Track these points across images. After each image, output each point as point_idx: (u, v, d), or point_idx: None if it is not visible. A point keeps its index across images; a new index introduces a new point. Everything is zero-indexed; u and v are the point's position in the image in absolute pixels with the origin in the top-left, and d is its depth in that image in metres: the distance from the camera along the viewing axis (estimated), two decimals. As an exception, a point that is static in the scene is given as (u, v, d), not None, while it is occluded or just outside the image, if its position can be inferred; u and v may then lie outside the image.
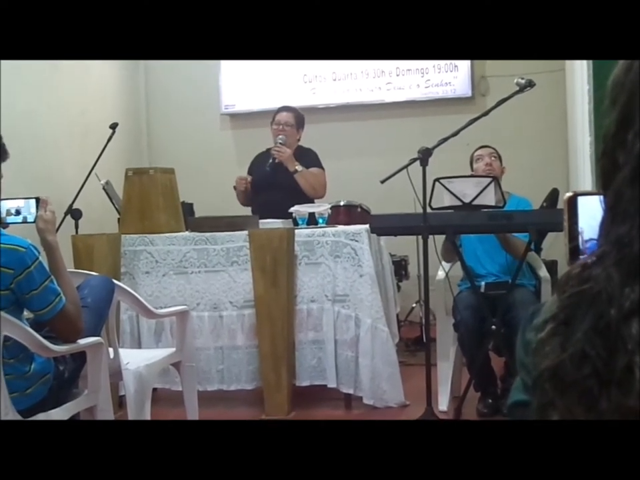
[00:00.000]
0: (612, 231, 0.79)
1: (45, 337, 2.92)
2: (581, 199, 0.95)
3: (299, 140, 5.65)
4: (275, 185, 5.42)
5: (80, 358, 3.16)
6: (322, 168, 5.59)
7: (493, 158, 4.66)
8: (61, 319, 2.95)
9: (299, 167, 5.43)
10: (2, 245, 2.82)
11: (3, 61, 5.40)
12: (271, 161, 5.43)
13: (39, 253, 2.92)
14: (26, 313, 3.03)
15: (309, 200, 5.41)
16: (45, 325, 3.00)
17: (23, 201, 3.41)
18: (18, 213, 3.40)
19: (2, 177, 2.93)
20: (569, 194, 0.96)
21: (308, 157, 5.56)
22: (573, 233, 0.94)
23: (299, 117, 5.65)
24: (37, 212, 3.20)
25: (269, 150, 5.58)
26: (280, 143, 5.45)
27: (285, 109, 5.71)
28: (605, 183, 0.82)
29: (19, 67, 5.82)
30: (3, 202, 3.40)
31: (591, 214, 0.90)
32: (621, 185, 0.79)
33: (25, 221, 3.36)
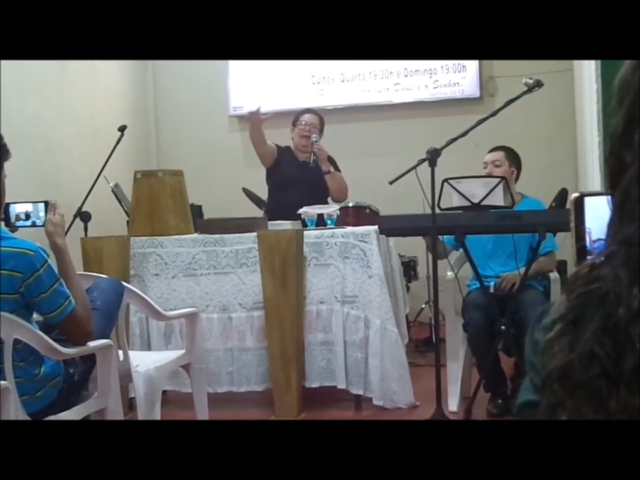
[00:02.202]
0: (620, 230, 0.79)
1: (54, 340, 2.93)
2: (587, 200, 0.95)
3: None
4: (304, 184, 5.45)
5: (90, 360, 3.17)
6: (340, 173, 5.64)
7: (496, 165, 4.61)
8: (70, 321, 2.95)
9: (331, 168, 5.47)
10: (11, 249, 2.83)
11: (12, 65, 5.42)
12: (313, 158, 5.43)
13: (47, 255, 2.93)
14: (35, 316, 3.03)
15: (325, 201, 5.44)
16: (55, 327, 3.01)
17: (32, 204, 3.42)
18: (27, 216, 3.41)
19: (5, 177, 2.94)
20: (575, 194, 0.96)
21: (330, 162, 5.60)
22: (580, 234, 0.94)
23: (322, 121, 5.69)
24: (45, 215, 3.21)
25: (288, 147, 5.60)
26: (315, 141, 5.46)
27: (310, 111, 5.73)
28: (613, 182, 0.82)
29: (27, 70, 5.83)
30: (12, 206, 3.42)
31: (598, 214, 0.90)
32: (628, 185, 0.79)
33: (34, 225, 3.37)
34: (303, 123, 5.59)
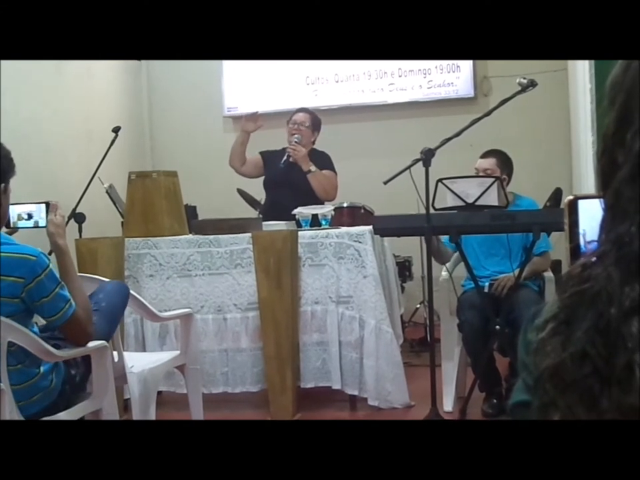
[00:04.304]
0: (612, 230, 0.79)
1: (55, 339, 2.94)
2: (581, 202, 0.95)
3: (313, 142, 5.65)
4: (287, 184, 5.43)
5: (89, 360, 3.18)
6: (334, 171, 5.57)
7: (487, 175, 4.54)
8: (71, 324, 2.96)
9: (312, 168, 5.42)
10: (13, 254, 2.83)
11: (7, 67, 5.41)
12: (285, 158, 5.43)
13: (49, 260, 2.93)
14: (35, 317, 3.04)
15: (319, 201, 5.40)
16: (55, 328, 3.02)
17: (33, 205, 3.43)
18: (29, 217, 3.42)
19: (11, 191, 2.95)
20: (569, 197, 0.96)
21: (321, 160, 5.54)
22: (574, 235, 0.94)
23: (315, 120, 5.65)
24: (47, 216, 3.22)
25: (284, 149, 5.57)
26: (295, 142, 5.45)
27: (303, 110, 5.72)
28: (605, 182, 0.82)
29: (22, 73, 5.83)
30: (13, 207, 3.43)
31: (592, 216, 0.90)
32: (620, 184, 0.79)
33: (36, 226, 3.38)
34: (292, 122, 5.59)
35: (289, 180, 5.42)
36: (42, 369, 2.99)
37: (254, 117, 5.61)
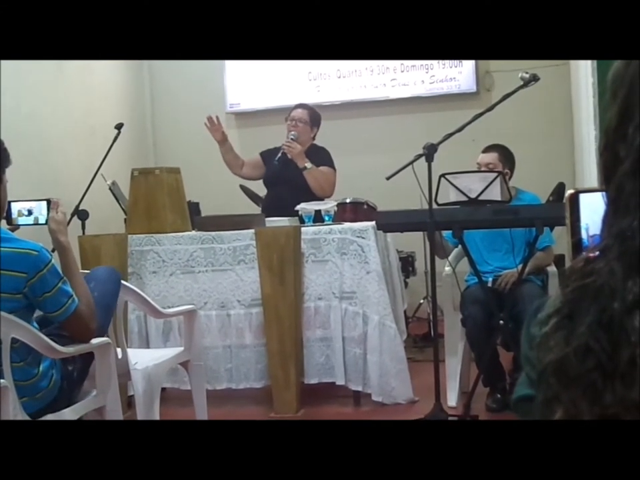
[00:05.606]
0: (614, 224, 0.79)
1: (56, 335, 2.94)
2: (582, 196, 0.95)
3: (313, 138, 5.62)
4: (284, 181, 5.42)
5: (88, 355, 3.17)
6: (333, 168, 5.54)
7: (490, 169, 4.53)
8: (74, 320, 2.96)
9: (308, 164, 5.40)
10: (14, 250, 2.83)
11: (7, 63, 5.41)
12: (280, 155, 5.41)
13: (51, 255, 2.94)
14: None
15: (317, 198, 5.38)
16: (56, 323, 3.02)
17: (34, 202, 3.44)
18: (30, 213, 3.43)
19: (7, 182, 2.94)
20: (570, 191, 0.96)
21: (320, 156, 5.52)
22: (576, 230, 0.94)
23: (314, 115, 5.63)
24: (48, 213, 3.22)
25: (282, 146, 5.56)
26: (291, 139, 5.43)
27: (301, 105, 5.69)
28: (607, 176, 0.82)
29: (23, 70, 5.83)
30: (14, 204, 3.43)
31: (594, 210, 0.90)
32: (622, 178, 0.79)
33: (36, 222, 3.38)
34: (290, 118, 5.57)
35: (286, 176, 5.41)
36: (42, 366, 2.99)
37: (214, 126, 5.60)
